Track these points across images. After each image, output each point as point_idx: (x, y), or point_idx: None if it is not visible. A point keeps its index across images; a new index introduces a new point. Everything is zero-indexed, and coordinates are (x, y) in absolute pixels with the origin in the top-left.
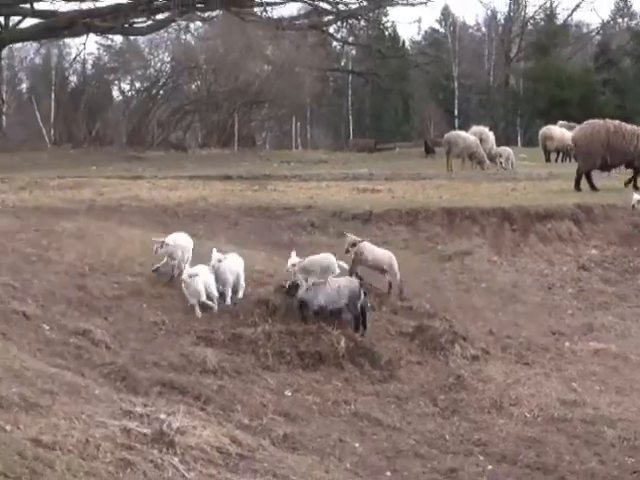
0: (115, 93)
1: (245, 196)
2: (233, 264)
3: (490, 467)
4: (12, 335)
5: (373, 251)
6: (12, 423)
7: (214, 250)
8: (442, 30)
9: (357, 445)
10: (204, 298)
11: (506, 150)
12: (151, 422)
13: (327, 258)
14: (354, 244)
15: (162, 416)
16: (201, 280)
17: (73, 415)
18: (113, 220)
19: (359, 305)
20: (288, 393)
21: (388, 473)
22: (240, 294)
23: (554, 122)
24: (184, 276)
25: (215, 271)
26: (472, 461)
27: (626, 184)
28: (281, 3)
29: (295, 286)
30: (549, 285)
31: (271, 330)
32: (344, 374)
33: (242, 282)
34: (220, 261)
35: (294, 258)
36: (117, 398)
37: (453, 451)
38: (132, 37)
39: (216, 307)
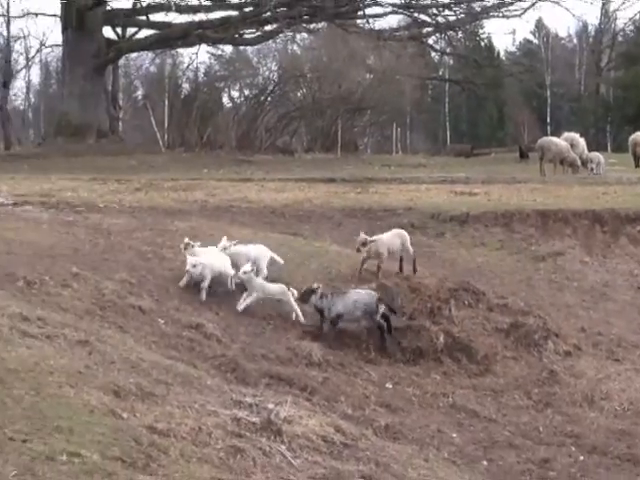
0: (225, 100)
1: (348, 198)
2: (252, 252)
3: (582, 458)
4: (129, 328)
5: (385, 244)
6: (129, 411)
7: (224, 238)
8: (535, 41)
9: (454, 435)
10: (207, 284)
11: (597, 155)
12: (260, 411)
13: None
14: (364, 243)
15: (270, 406)
16: (206, 267)
17: (186, 404)
18: (224, 220)
19: (378, 316)
20: (389, 385)
21: (484, 462)
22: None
23: None
24: (188, 267)
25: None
26: (564, 452)
27: None
28: (383, 15)
29: (310, 292)
30: (639, 285)
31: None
32: (442, 368)
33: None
34: (225, 248)
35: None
36: (227, 389)
37: (546, 442)
38: (241, 47)
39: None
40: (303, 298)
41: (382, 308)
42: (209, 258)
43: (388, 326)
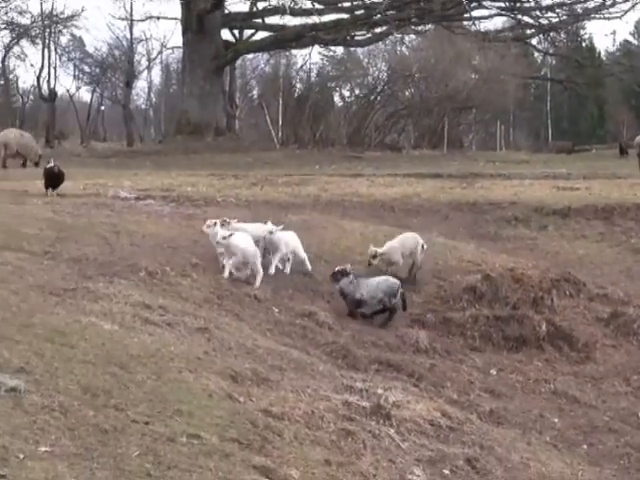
0: (336, 99)
1: (454, 193)
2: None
3: None
4: (245, 316)
5: (397, 250)
6: (245, 395)
7: (269, 222)
8: (635, 42)
9: (556, 420)
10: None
11: None
12: (369, 396)
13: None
14: (375, 256)
15: (379, 391)
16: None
17: (300, 389)
18: (335, 214)
19: (396, 300)
20: (493, 372)
21: (584, 447)
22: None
23: None
24: (218, 238)
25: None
26: None
27: None
28: (488, 17)
29: (342, 273)
30: None
31: (478, 314)
32: (544, 355)
33: (302, 255)
34: (272, 233)
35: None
36: (339, 374)
37: None
38: (352, 48)
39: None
40: (335, 277)
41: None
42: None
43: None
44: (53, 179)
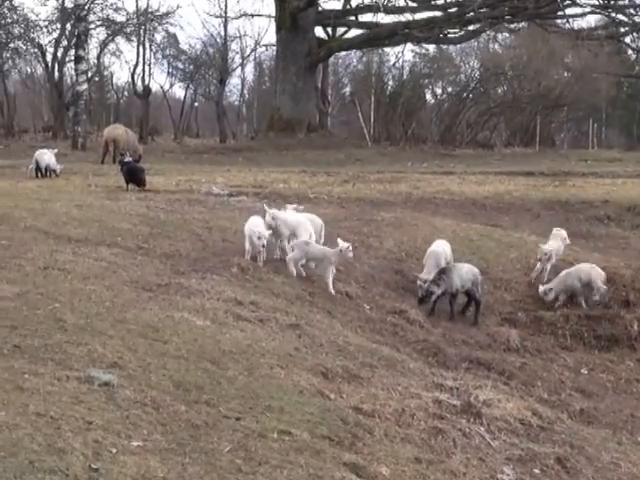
0: (428, 96)
1: (546, 191)
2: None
3: None
4: (336, 313)
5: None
6: (336, 392)
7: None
8: None
9: None
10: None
11: None
12: (460, 394)
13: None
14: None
15: (470, 389)
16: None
17: (390, 386)
18: (427, 211)
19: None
20: (584, 371)
21: None
22: None
23: None
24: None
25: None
26: None
27: None
28: (581, 15)
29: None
30: None
31: (569, 314)
32: (636, 355)
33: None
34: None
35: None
36: (429, 372)
37: None
38: (445, 46)
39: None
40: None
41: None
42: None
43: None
44: (131, 174)
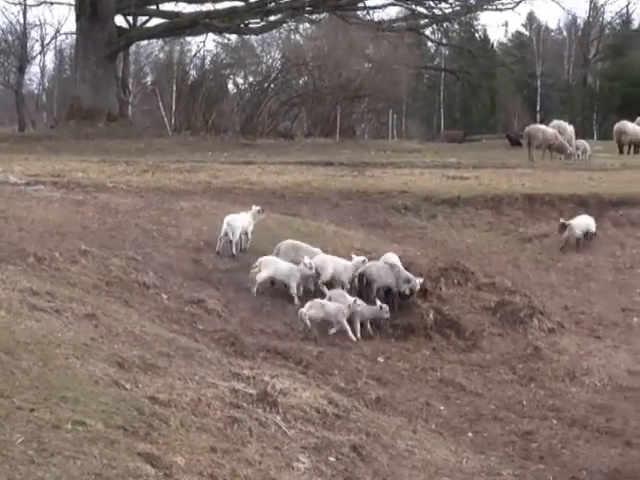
0: (230, 86)
1: (345, 181)
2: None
3: (562, 431)
4: (134, 303)
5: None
6: (132, 382)
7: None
8: (527, 33)
9: (442, 408)
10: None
11: (583, 143)
12: (257, 384)
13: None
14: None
15: (266, 378)
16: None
17: (187, 376)
18: (226, 201)
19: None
20: (381, 360)
21: (470, 434)
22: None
23: (627, 118)
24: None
25: None
26: (546, 425)
27: None
28: (382, 7)
29: None
30: (620, 266)
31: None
32: (432, 344)
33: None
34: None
35: None
36: (226, 362)
37: (529, 415)
38: (246, 36)
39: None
40: None
41: None
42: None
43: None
44: None
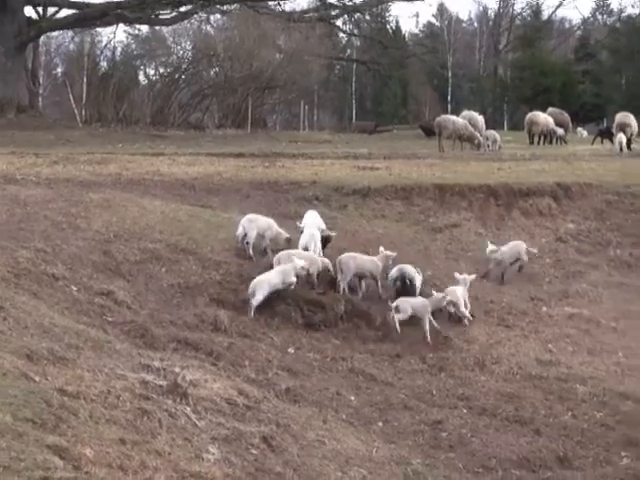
0: (141, 77)
1: (256, 172)
2: None
3: (472, 419)
4: (42, 295)
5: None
6: (41, 374)
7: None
8: (438, 24)
9: (352, 398)
10: None
11: (493, 133)
12: (167, 375)
13: None
14: None
15: (177, 370)
16: None
17: (96, 368)
18: (136, 192)
19: None
20: (291, 350)
21: (380, 424)
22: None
23: (538, 108)
24: None
25: None
26: (456, 414)
27: None
28: None
29: None
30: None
31: (277, 293)
32: (342, 334)
33: None
34: None
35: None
36: (136, 353)
37: (439, 404)
38: (157, 27)
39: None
40: None
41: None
42: None
43: None
44: None
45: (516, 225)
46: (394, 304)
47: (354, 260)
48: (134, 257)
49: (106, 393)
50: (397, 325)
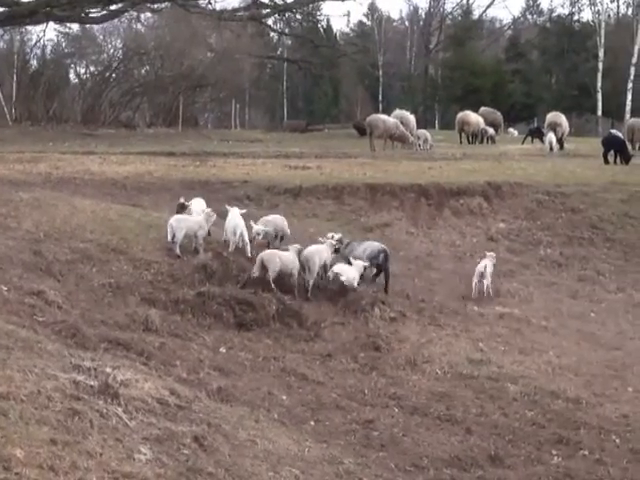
0: (71, 76)
1: (187, 171)
2: None
3: (403, 419)
4: None
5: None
6: None
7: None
8: (369, 23)
9: (284, 398)
10: None
11: (424, 132)
12: (98, 375)
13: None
14: None
15: (108, 370)
16: None
17: (27, 368)
18: (67, 191)
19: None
20: (223, 350)
21: (312, 423)
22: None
23: (469, 108)
24: None
25: None
26: (388, 413)
27: None
28: None
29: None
30: (460, 254)
31: (209, 293)
32: (274, 333)
33: None
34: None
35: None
36: (67, 353)
37: (371, 404)
38: (88, 25)
39: None
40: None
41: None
42: None
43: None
44: None
45: (447, 224)
46: None
47: (280, 258)
48: (65, 257)
49: (36, 393)
50: None
